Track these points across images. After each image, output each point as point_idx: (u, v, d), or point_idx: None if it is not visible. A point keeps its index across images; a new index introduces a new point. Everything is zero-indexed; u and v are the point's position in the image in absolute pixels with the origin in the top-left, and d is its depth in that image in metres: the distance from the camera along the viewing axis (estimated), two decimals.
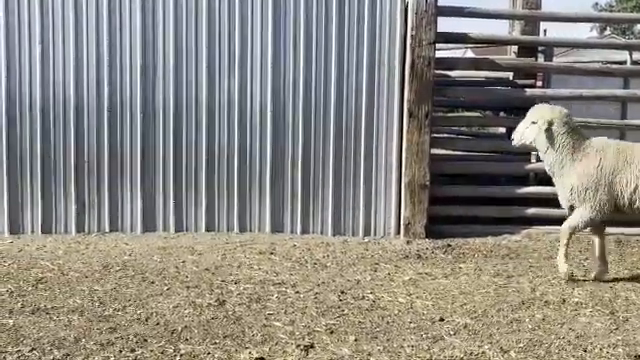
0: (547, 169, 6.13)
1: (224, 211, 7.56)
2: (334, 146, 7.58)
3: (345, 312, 5.07)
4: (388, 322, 4.89)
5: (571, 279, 5.95)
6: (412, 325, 4.84)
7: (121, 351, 4.21)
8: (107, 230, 7.42)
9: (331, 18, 7.49)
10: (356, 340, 4.52)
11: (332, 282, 5.86)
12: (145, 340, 4.39)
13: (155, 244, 6.97)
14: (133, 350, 4.23)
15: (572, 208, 6.05)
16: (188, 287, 5.56)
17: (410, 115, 7.45)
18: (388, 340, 4.53)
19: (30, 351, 4.17)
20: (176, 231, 7.50)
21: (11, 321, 4.67)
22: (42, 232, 7.33)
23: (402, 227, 7.59)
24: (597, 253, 6.12)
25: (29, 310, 4.91)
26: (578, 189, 5.89)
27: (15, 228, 7.31)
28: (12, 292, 5.31)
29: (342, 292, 5.54)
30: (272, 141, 7.51)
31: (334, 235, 7.59)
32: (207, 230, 7.54)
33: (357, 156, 7.62)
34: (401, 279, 6.01)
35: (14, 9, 7.20)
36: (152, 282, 5.69)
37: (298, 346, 4.36)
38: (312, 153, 7.56)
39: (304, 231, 7.63)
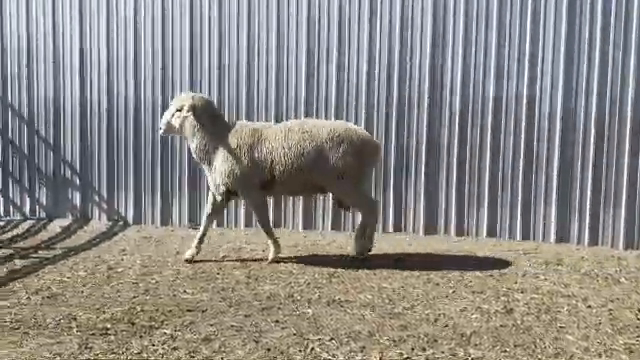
0: (194, 156, 6.38)
1: (506, 218, 7.44)
2: (629, 151, 7.11)
3: None
4: None
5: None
6: None
7: (413, 349, 4.31)
8: (390, 230, 7.68)
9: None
10: None
11: (627, 299, 5.47)
12: (435, 341, 4.45)
13: (437, 246, 7.05)
14: (424, 349, 4.31)
15: (228, 193, 6.28)
16: (473, 292, 5.54)
17: None
18: None
19: (329, 340, 4.43)
20: (457, 235, 7.54)
21: (310, 311, 5.00)
22: (331, 229, 7.80)
23: None
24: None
25: (325, 301, 5.22)
26: (226, 171, 6.14)
27: (308, 224, 7.86)
28: (309, 283, 5.70)
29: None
30: (560, 147, 7.24)
31: (626, 249, 7.10)
32: (488, 236, 7.48)
33: None
34: None
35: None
36: (437, 284, 5.76)
37: None
38: (604, 159, 7.14)
39: (592, 242, 7.23)
